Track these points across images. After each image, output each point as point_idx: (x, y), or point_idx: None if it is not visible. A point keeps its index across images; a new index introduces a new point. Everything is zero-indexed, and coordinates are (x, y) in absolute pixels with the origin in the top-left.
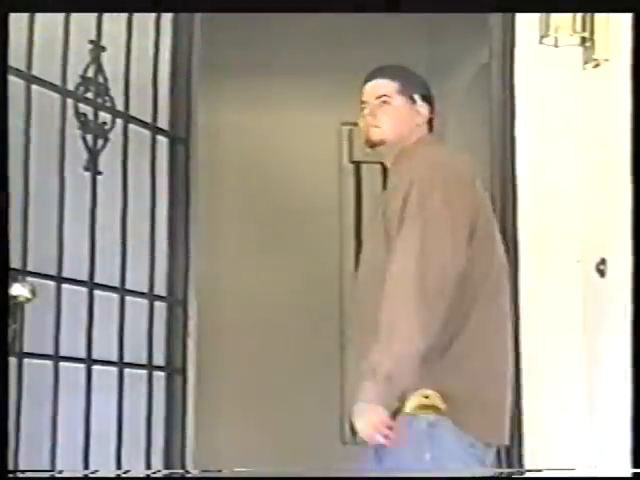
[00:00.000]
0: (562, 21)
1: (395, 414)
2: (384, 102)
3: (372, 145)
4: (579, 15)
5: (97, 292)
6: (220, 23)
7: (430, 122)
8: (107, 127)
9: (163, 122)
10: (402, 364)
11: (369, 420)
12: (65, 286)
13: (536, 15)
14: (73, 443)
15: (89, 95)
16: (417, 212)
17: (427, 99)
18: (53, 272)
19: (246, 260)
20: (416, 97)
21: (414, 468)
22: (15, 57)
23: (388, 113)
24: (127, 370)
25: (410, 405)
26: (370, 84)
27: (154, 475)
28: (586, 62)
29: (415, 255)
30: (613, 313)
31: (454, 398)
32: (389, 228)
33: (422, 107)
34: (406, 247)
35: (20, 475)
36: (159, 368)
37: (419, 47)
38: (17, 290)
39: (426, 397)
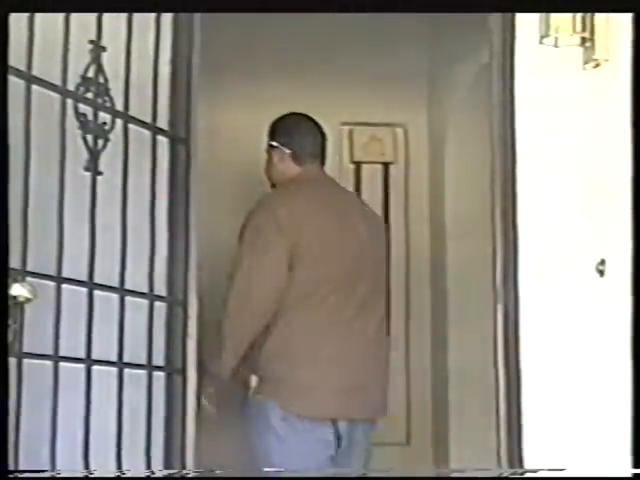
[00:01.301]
0: (562, 21)
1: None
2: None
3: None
4: (579, 15)
5: (97, 292)
6: (220, 23)
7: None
8: (107, 127)
9: (163, 122)
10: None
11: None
12: (65, 286)
13: (536, 15)
14: (73, 443)
15: (89, 95)
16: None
17: (284, 144)
18: (53, 272)
19: None
20: (273, 144)
21: None
22: (15, 57)
23: (266, 162)
24: (127, 370)
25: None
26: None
27: (154, 475)
28: (586, 62)
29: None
30: (613, 313)
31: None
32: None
33: (278, 154)
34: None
35: (20, 475)
36: (159, 368)
37: (420, 47)
38: (17, 290)
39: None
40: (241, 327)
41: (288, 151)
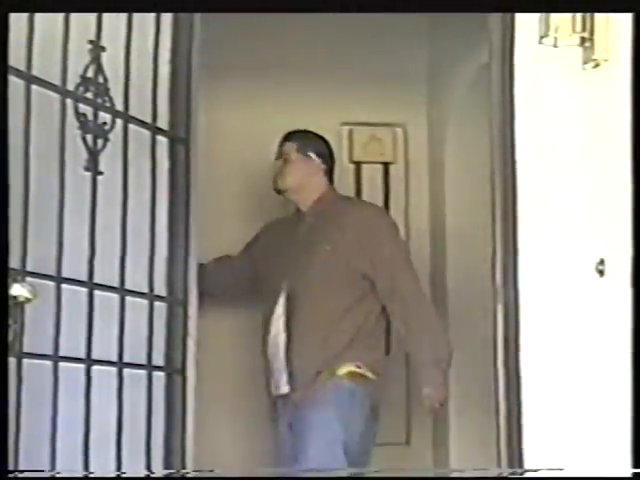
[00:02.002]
0: (562, 21)
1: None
2: (285, 160)
3: (278, 191)
4: (579, 15)
5: (97, 292)
6: (220, 23)
7: (329, 174)
8: (107, 127)
9: (163, 122)
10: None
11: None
12: (65, 286)
13: (536, 15)
14: (73, 443)
15: (89, 95)
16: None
17: (320, 155)
18: (53, 272)
19: None
20: (310, 154)
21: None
22: (15, 57)
23: (287, 167)
24: (127, 370)
25: (341, 371)
26: (281, 146)
27: (154, 475)
28: (586, 62)
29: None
30: (613, 313)
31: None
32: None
33: (315, 161)
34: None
35: (20, 475)
36: (159, 368)
37: (419, 47)
38: (17, 290)
39: (358, 367)
40: None
41: (324, 166)
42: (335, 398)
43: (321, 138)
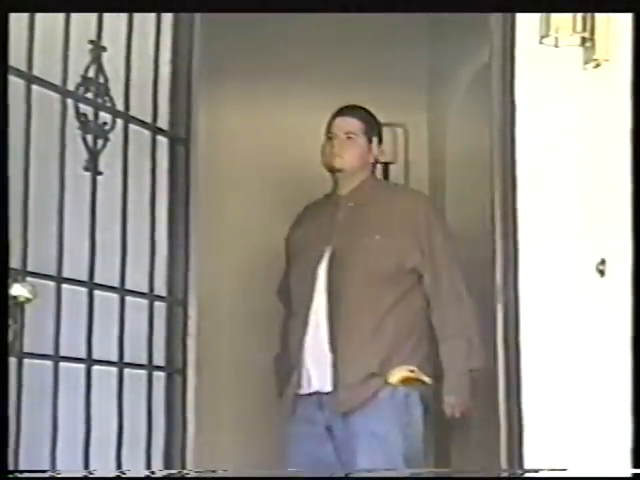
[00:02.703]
0: (562, 21)
1: (379, 388)
2: (350, 138)
3: (333, 171)
4: (579, 15)
5: (97, 292)
6: (220, 23)
7: (375, 162)
8: (107, 127)
9: (163, 122)
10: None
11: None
12: (65, 286)
13: (536, 15)
14: (73, 443)
15: (89, 95)
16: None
17: (380, 142)
18: (53, 272)
19: (246, 260)
20: (374, 139)
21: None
22: (15, 57)
23: (351, 148)
24: (127, 370)
25: (393, 378)
26: (339, 119)
27: (154, 475)
28: (586, 62)
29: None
30: (613, 313)
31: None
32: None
33: (375, 149)
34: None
35: (20, 475)
36: (159, 368)
37: (419, 47)
38: (17, 290)
39: (412, 371)
40: None
41: (377, 153)
42: (392, 407)
43: (379, 123)
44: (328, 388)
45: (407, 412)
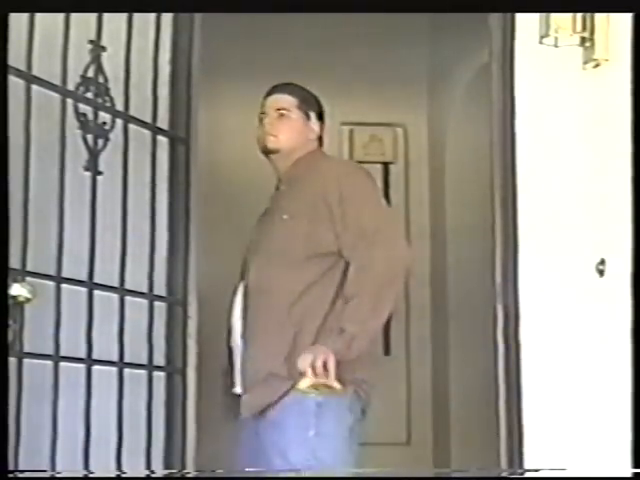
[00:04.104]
0: (562, 21)
1: (285, 393)
2: (282, 115)
3: (267, 152)
4: (579, 15)
5: (97, 292)
6: (220, 23)
7: (320, 139)
8: (107, 127)
9: (163, 122)
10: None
11: (317, 358)
12: (65, 286)
13: (536, 15)
14: (73, 443)
15: (89, 95)
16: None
17: (320, 117)
18: (53, 272)
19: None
20: (311, 114)
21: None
22: (15, 57)
23: (286, 125)
24: (127, 370)
25: (304, 384)
26: (271, 97)
27: (154, 475)
28: (586, 62)
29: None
30: (613, 313)
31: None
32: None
33: (315, 124)
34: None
35: (20, 475)
36: (159, 368)
37: (419, 47)
38: (17, 290)
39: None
40: None
41: (319, 131)
42: (298, 416)
43: (316, 97)
44: (239, 390)
45: (317, 423)
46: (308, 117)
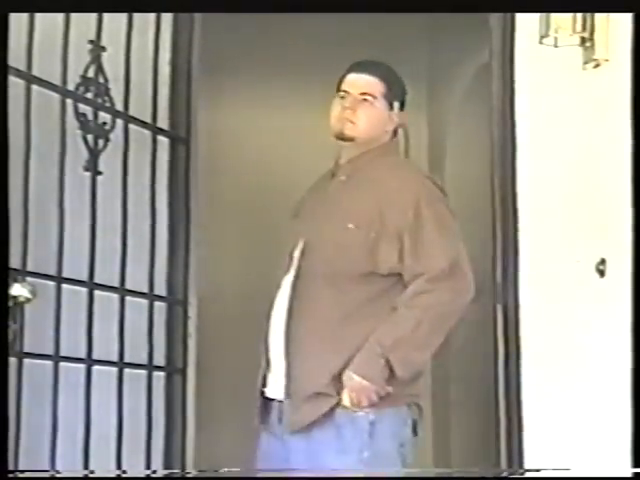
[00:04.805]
0: (562, 21)
1: (333, 409)
2: (366, 100)
3: (342, 138)
4: (579, 15)
5: (97, 292)
6: (220, 23)
7: (395, 129)
8: (107, 127)
9: (163, 122)
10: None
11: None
12: (65, 286)
13: (536, 15)
14: (73, 443)
15: (89, 95)
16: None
17: (402, 107)
18: (53, 272)
19: (246, 260)
20: (395, 104)
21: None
22: (15, 57)
23: (367, 113)
24: (127, 370)
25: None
26: (356, 76)
27: (154, 475)
28: (586, 62)
29: None
30: (613, 313)
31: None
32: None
33: (396, 115)
34: None
35: (20, 475)
36: (159, 368)
37: (419, 47)
38: (17, 290)
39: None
40: None
41: (399, 122)
42: (349, 436)
43: (402, 82)
44: (282, 398)
45: (371, 443)
46: (391, 107)
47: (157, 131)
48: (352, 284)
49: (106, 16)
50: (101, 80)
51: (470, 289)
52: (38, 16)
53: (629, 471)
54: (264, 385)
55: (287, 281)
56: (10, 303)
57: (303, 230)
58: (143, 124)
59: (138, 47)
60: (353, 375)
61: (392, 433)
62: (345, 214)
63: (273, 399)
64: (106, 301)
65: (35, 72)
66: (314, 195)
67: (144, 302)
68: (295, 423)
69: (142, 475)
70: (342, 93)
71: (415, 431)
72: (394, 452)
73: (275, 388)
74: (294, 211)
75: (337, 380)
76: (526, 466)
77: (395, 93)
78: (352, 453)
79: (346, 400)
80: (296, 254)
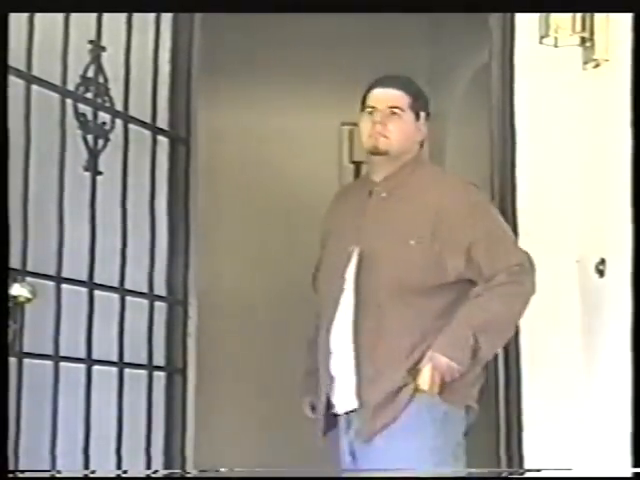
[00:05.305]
0: (562, 21)
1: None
2: (395, 113)
3: (376, 153)
4: (579, 15)
5: (97, 292)
6: (220, 23)
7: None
8: (107, 127)
9: (163, 122)
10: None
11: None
12: (65, 286)
13: (536, 15)
14: (73, 443)
15: (89, 95)
16: None
17: (427, 118)
18: (53, 272)
19: (246, 260)
20: (421, 115)
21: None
22: (15, 57)
23: (398, 126)
24: (127, 370)
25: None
26: (382, 91)
27: (154, 475)
28: (586, 62)
29: None
30: (613, 313)
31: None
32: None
33: (423, 125)
34: None
35: (20, 475)
36: (159, 368)
37: (419, 47)
38: (17, 290)
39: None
40: None
41: (425, 133)
42: (425, 423)
43: (424, 94)
44: (351, 409)
45: (444, 434)
46: (418, 117)
47: (157, 131)
48: (421, 297)
49: (106, 16)
50: (101, 80)
51: (532, 292)
52: (38, 16)
53: (629, 471)
54: (329, 402)
55: (346, 300)
56: (10, 303)
57: (352, 248)
58: (143, 124)
59: (138, 47)
60: (439, 356)
61: (457, 430)
62: (401, 230)
63: (339, 414)
64: (106, 301)
65: (35, 72)
66: (351, 213)
67: (144, 302)
68: (372, 429)
69: (142, 475)
70: (369, 109)
71: (467, 433)
72: (456, 448)
73: (343, 402)
74: (324, 233)
75: (412, 374)
76: (526, 466)
77: (420, 104)
78: (427, 439)
79: (424, 382)
80: (350, 272)
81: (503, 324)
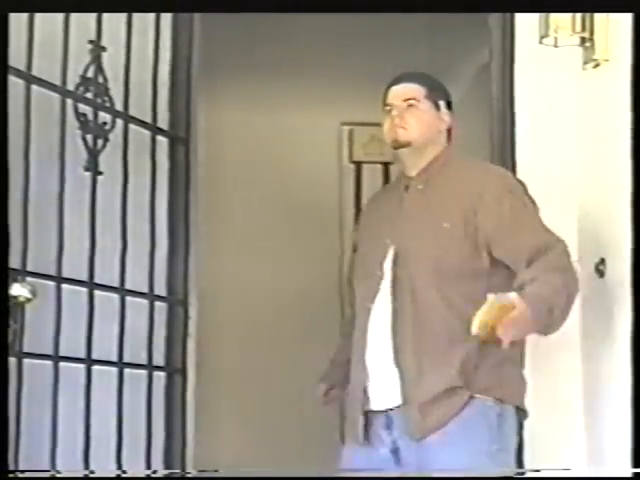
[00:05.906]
0: (562, 21)
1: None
2: (411, 105)
3: (398, 146)
4: (579, 15)
5: (97, 292)
6: (220, 23)
7: (449, 131)
8: (107, 127)
9: (163, 122)
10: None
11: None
12: (65, 286)
13: (536, 15)
14: (73, 443)
15: (89, 95)
16: None
17: (449, 107)
18: (53, 272)
19: (246, 260)
20: (441, 103)
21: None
22: (15, 57)
23: (415, 116)
24: (127, 370)
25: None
26: (397, 87)
27: (154, 475)
28: (586, 62)
29: None
30: (613, 313)
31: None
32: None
33: (445, 114)
34: None
35: (20, 475)
36: (159, 368)
37: (419, 47)
38: (17, 290)
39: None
40: None
41: (449, 122)
42: (480, 428)
43: (443, 85)
44: (395, 405)
45: (500, 439)
46: (437, 107)
47: (157, 131)
48: (457, 285)
49: (106, 16)
50: (101, 80)
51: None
52: (38, 16)
53: (629, 471)
54: (366, 399)
55: (383, 293)
56: (10, 303)
57: (389, 241)
58: (143, 124)
59: (138, 47)
60: (518, 300)
61: (512, 432)
62: (436, 215)
63: (377, 411)
64: (106, 301)
65: (35, 72)
66: (387, 210)
67: (144, 302)
68: (425, 428)
69: (142, 475)
70: (388, 107)
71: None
72: (513, 451)
73: (383, 399)
74: (357, 235)
75: (465, 374)
76: (526, 466)
77: (437, 93)
78: (483, 445)
79: (482, 327)
80: (387, 265)
81: (568, 304)
